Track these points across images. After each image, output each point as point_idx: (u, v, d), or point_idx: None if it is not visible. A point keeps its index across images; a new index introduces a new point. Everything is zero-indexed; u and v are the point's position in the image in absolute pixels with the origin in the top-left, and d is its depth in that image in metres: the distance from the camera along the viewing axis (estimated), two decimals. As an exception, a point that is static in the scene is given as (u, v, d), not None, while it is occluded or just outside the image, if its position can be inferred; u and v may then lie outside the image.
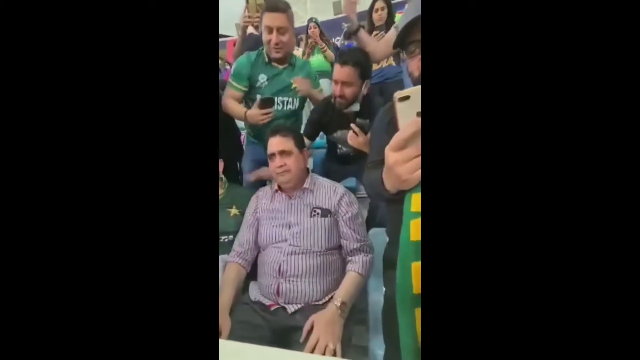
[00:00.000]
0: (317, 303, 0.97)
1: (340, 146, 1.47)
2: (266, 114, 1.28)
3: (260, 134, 1.40)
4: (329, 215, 1.05)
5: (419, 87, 0.41)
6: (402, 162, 0.44)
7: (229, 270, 1.07)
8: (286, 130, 1.13)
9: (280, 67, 1.38)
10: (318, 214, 1.05)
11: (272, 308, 0.97)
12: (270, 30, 1.28)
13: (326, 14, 3.59)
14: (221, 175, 1.27)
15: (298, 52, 2.50)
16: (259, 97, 1.33)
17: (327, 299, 0.98)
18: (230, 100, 1.38)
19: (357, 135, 1.17)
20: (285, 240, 1.03)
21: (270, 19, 1.27)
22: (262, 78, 1.37)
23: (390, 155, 0.45)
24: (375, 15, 2.05)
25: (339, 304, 0.92)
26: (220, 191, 1.25)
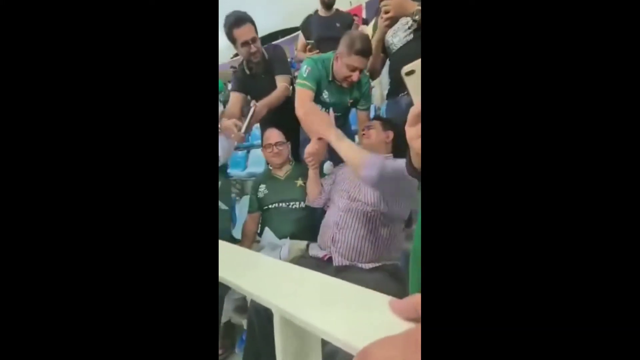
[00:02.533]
0: (363, 267, 1.09)
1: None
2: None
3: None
4: None
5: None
6: (418, 137, 0.44)
7: None
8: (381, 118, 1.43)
9: (345, 87, 1.43)
10: None
11: (325, 258, 1.15)
12: (353, 68, 1.33)
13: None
14: (290, 157, 1.60)
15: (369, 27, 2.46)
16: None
17: (373, 265, 1.10)
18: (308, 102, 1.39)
19: None
20: (349, 193, 1.22)
21: (357, 61, 1.32)
22: (325, 94, 1.44)
23: (407, 130, 0.44)
24: None
25: None
26: (289, 167, 1.57)
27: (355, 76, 1.34)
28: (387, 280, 1.05)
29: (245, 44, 1.49)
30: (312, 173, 1.35)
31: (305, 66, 1.43)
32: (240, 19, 1.46)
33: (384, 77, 1.81)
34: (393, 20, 1.31)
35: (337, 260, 1.13)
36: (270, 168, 1.60)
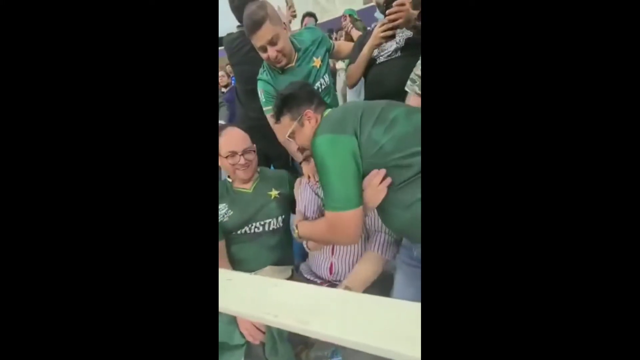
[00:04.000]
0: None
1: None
2: None
3: None
4: None
5: None
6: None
7: None
8: None
9: (293, 65, 1.28)
10: None
11: (323, 285, 0.98)
12: (263, 49, 1.18)
13: (356, 5, 3.53)
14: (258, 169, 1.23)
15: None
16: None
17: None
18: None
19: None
20: None
21: (257, 39, 1.16)
22: (277, 87, 1.27)
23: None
24: None
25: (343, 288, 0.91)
26: (257, 175, 1.21)
27: (271, 52, 1.16)
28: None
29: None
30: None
31: (259, 91, 1.27)
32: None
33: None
34: (392, 33, 1.26)
35: (341, 286, 0.97)
36: (230, 180, 1.18)
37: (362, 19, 2.71)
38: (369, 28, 1.52)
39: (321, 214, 1.04)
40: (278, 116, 0.96)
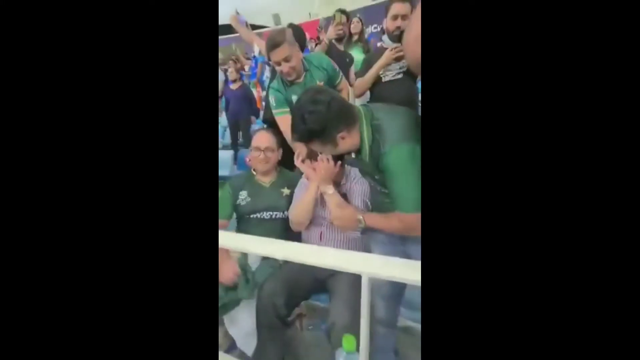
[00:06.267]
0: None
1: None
2: None
3: None
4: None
5: None
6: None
7: None
8: None
9: (300, 81, 1.56)
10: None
11: None
12: (278, 63, 1.48)
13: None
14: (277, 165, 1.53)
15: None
16: None
17: None
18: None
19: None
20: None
21: (275, 55, 1.46)
22: (295, 99, 1.50)
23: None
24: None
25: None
26: (275, 174, 1.51)
27: (284, 67, 1.46)
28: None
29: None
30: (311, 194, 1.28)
31: (270, 97, 1.57)
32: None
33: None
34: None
35: None
36: (254, 173, 1.50)
37: (363, 17, 2.79)
38: (378, 44, 1.75)
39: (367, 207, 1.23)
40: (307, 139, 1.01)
